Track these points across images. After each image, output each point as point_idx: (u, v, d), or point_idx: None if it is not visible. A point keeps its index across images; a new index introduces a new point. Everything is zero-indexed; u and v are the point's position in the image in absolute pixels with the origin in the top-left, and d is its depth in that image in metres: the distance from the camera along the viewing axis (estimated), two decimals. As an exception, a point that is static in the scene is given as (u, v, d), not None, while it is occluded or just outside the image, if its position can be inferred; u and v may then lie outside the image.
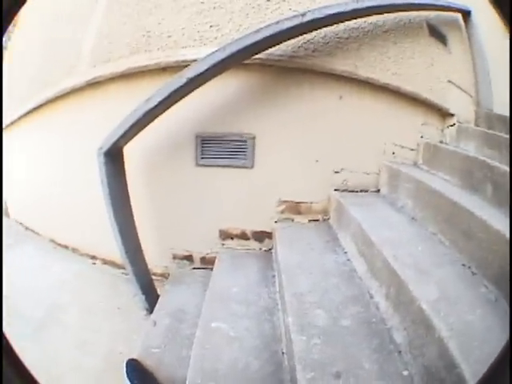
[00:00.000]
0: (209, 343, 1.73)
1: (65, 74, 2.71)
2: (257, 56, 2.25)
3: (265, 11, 2.43)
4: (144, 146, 2.53)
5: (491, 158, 2.09)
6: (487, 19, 3.11)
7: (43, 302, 2.59)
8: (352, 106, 2.60)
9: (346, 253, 2.26)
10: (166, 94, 2.02)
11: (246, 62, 2.28)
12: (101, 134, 2.17)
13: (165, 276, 2.87)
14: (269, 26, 2.01)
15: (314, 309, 1.71)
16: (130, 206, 2.42)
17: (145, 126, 2.21)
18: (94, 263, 3.07)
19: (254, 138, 2.57)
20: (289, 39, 2.26)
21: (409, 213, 2.30)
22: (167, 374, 1.94)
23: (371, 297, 1.82)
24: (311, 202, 2.74)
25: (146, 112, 2.06)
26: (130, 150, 2.36)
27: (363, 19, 2.48)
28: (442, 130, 2.90)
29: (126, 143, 2.28)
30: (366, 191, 2.76)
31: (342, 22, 2.35)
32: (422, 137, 2.80)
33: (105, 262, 3.05)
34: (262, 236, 2.78)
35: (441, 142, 2.85)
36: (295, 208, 2.74)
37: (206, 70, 2.00)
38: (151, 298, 2.56)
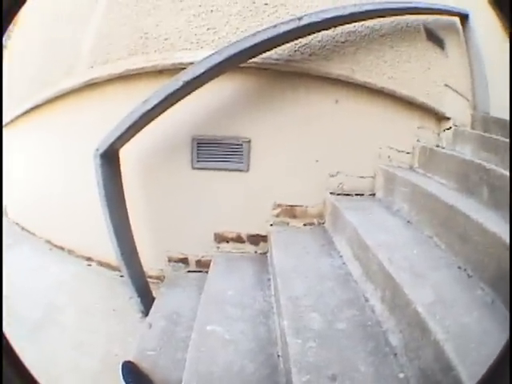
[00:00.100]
0: (204, 346, 1.73)
1: (64, 75, 2.70)
2: (253, 59, 2.26)
3: (262, 14, 2.43)
4: (140, 148, 2.52)
5: (487, 161, 2.09)
6: (484, 23, 3.13)
7: (40, 302, 2.58)
8: (348, 109, 2.61)
9: (341, 256, 2.26)
10: (162, 96, 2.02)
11: (243, 65, 2.29)
12: (98, 135, 2.16)
13: (160, 279, 2.86)
14: (266, 29, 2.02)
15: (309, 312, 1.71)
16: (126, 208, 2.42)
17: (141, 128, 2.21)
18: (90, 265, 3.05)
19: (249, 141, 2.57)
20: (286, 43, 2.27)
21: (404, 216, 2.30)
22: (162, 376, 1.93)
23: (366, 300, 1.81)
24: (307, 206, 2.74)
25: (143, 114, 2.06)
26: (126, 153, 2.35)
27: (360, 23, 2.49)
28: (438, 134, 2.91)
29: (123, 145, 2.27)
30: (362, 195, 2.76)
31: (339, 26, 2.36)
32: (418, 140, 2.81)
33: (101, 263, 3.03)
34: (257, 239, 2.78)
35: (437, 145, 2.85)
36: (290, 211, 2.74)
37: (203, 73, 2.00)
38: (147, 300, 2.55)
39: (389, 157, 2.75)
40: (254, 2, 2.44)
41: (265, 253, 2.75)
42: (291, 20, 2.04)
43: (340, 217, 2.40)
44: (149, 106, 2.03)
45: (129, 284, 2.47)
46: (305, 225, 2.76)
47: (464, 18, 3.15)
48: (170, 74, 2.28)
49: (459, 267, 1.66)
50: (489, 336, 1.22)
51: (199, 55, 2.09)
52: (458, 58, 3.13)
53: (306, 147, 2.63)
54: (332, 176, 2.69)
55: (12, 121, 3.17)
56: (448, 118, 2.88)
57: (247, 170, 2.64)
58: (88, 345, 2.30)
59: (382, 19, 2.56)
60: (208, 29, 2.41)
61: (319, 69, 2.45)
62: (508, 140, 2.30)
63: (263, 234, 2.75)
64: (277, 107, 2.53)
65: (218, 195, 2.70)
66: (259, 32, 2.01)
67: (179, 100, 2.19)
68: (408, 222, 2.23)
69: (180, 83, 2.00)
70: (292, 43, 2.33)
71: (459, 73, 3.11)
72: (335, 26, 2.37)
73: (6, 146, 3.15)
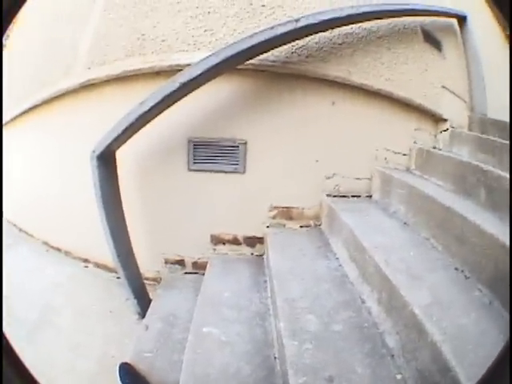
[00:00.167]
0: (200, 348, 1.72)
1: (62, 75, 2.69)
2: (250, 61, 2.26)
3: (259, 16, 2.43)
4: (136, 150, 2.52)
5: (485, 162, 2.10)
6: (482, 24, 3.14)
7: (37, 303, 2.58)
8: (345, 111, 2.61)
9: (337, 258, 2.26)
10: (159, 98, 2.02)
11: (240, 67, 2.29)
12: (95, 136, 2.16)
13: (157, 280, 2.85)
14: (263, 31, 2.02)
15: (305, 314, 1.70)
16: (122, 209, 2.41)
17: (138, 129, 2.21)
18: (87, 266, 3.05)
19: (245, 143, 2.57)
20: (283, 44, 2.27)
21: (401, 218, 2.31)
22: (159, 378, 1.93)
23: (363, 302, 1.81)
24: (303, 208, 2.74)
25: (139, 116, 2.05)
26: (122, 154, 2.35)
27: (357, 25, 2.50)
28: (435, 136, 2.92)
29: (119, 147, 2.27)
30: (358, 197, 2.76)
31: (336, 27, 2.36)
32: (414, 142, 2.81)
33: (97, 265, 3.02)
34: (253, 241, 2.78)
35: (434, 147, 2.86)
36: (287, 213, 2.74)
37: (200, 75, 2.00)
38: (143, 302, 2.54)
39: (385, 158, 2.76)
40: (251, 4, 2.44)
41: (261, 255, 2.75)
42: (288, 22, 2.04)
43: (336, 218, 2.40)
44: (145, 108, 2.03)
45: (125, 286, 2.47)
46: (301, 227, 2.76)
47: (462, 19, 3.16)
48: (167, 76, 2.28)
49: (456, 269, 1.66)
50: (487, 337, 1.22)
51: (196, 57, 2.08)
52: (455, 59, 3.14)
53: (302, 149, 2.63)
54: (328, 178, 2.69)
55: (10, 120, 3.16)
56: (445, 120, 2.88)
57: (244, 172, 2.64)
58: (84, 346, 2.29)
59: (379, 21, 2.56)
60: (205, 30, 2.41)
61: (316, 70, 2.45)
62: (506, 142, 2.30)
63: (259, 235, 2.75)
64: (274, 109, 2.53)
65: (214, 197, 2.69)
66: (256, 34, 2.01)
67: (176, 101, 2.19)
68: (405, 223, 2.24)
69: (177, 85, 2.00)
70: (289, 45, 2.34)
71: (456, 74, 3.12)
72: (332, 28, 2.37)
73: (5, 146, 3.14)
